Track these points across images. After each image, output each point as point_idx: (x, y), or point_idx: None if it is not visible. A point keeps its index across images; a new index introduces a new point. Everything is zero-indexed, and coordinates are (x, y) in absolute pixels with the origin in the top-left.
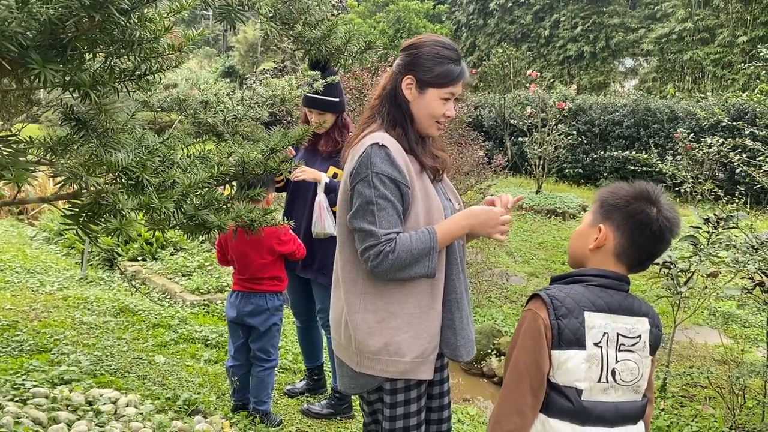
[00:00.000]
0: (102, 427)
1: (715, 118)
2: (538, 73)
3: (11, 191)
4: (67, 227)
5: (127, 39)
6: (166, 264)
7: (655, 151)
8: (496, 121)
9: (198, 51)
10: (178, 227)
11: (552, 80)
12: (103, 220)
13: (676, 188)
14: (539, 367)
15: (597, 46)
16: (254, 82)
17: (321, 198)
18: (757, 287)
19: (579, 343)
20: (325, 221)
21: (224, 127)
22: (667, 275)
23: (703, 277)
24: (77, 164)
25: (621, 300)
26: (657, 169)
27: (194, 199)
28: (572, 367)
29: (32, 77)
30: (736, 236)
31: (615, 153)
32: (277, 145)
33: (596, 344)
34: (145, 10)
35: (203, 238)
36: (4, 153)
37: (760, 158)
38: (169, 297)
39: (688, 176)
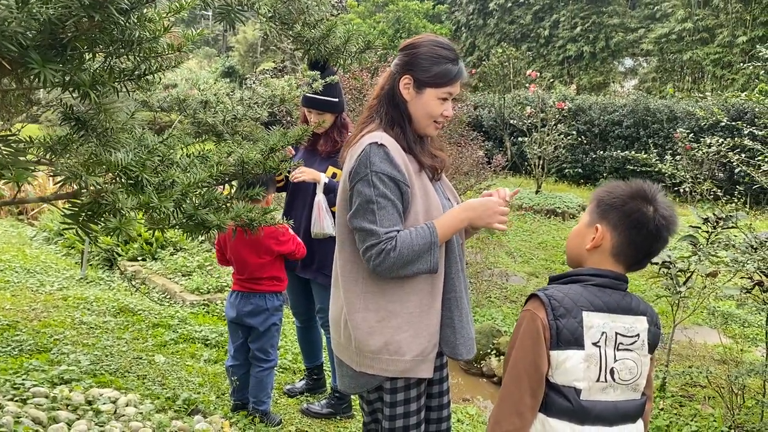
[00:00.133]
0: (102, 426)
1: (714, 118)
2: (538, 73)
3: (11, 191)
4: (67, 227)
5: (127, 39)
6: (165, 264)
7: (655, 151)
8: (496, 121)
9: (198, 51)
10: (177, 227)
11: (552, 80)
12: (102, 219)
13: (676, 188)
14: (538, 368)
15: (597, 46)
16: (254, 82)
17: (320, 198)
18: (756, 287)
19: (577, 343)
20: (324, 221)
21: (224, 127)
22: (667, 275)
23: (702, 276)
24: (77, 164)
25: (619, 299)
26: (656, 169)
27: (194, 199)
28: (571, 367)
29: (32, 77)
30: (735, 236)
31: (614, 153)
32: (276, 144)
33: (595, 344)
34: (145, 10)
35: (203, 238)
36: (4, 153)
37: (759, 158)
38: (168, 297)
39: (688, 176)
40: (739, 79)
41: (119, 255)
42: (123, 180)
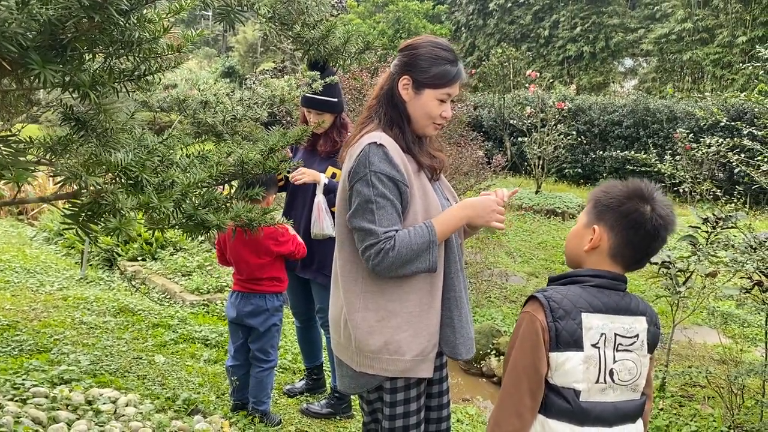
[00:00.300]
0: (102, 426)
1: (714, 119)
2: (538, 74)
3: (11, 191)
4: (67, 227)
5: (127, 39)
6: (165, 264)
7: (654, 151)
8: (496, 122)
9: (198, 51)
10: (177, 227)
11: (551, 80)
12: (102, 219)
13: (675, 188)
14: (537, 370)
15: (596, 47)
16: (254, 83)
17: (320, 199)
18: (756, 287)
19: (576, 344)
20: (323, 222)
21: (223, 127)
22: (666, 275)
23: (701, 276)
24: (77, 164)
25: (618, 300)
26: (656, 169)
27: (193, 199)
28: (570, 369)
29: (32, 77)
30: (734, 236)
31: (614, 153)
32: (275, 145)
33: (594, 345)
34: (145, 11)
35: (202, 238)
36: (5, 153)
37: (759, 158)
38: (168, 297)
39: (687, 176)
40: (738, 80)
41: (119, 255)
42: (123, 180)
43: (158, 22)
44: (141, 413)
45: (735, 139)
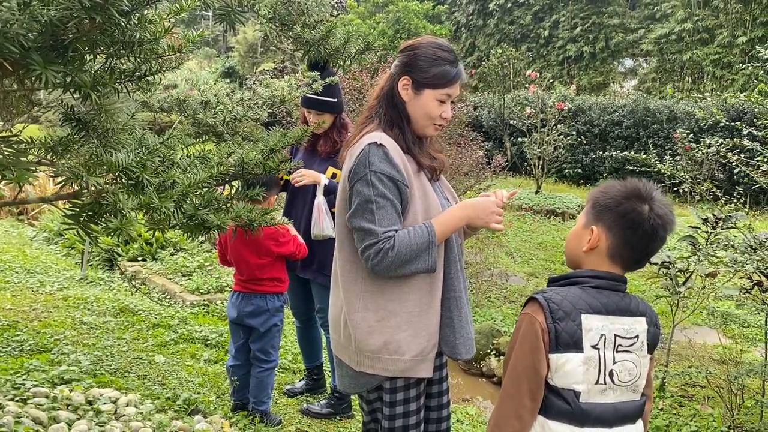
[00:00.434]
0: (102, 426)
1: (713, 119)
2: (538, 74)
3: (12, 191)
4: (68, 227)
5: (128, 40)
6: (165, 264)
7: (654, 151)
8: (496, 122)
9: (198, 51)
10: (177, 227)
11: (551, 81)
12: (103, 219)
13: (675, 188)
14: (537, 371)
15: (596, 47)
16: (254, 83)
17: (320, 200)
18: (756, 287)
19: (576, 345)
20: (323, 223)
21: (224, 128)
22: (666, 275)
23: (701, 277)
24: (78, 164)
25: (618, 301)
26: (656, 170)
27: (194, 199)
28: (570, 370)
29: (33, 78)
30: (734, 236)
31: (614, 153)
32: (276, 145)
33: (593, 346)
34: (145, 12)
35: (203, 238)
36: (6, 153)
37: (759, 158)
38: (168, 297)
39: (687, 176)
40: (738, 80)
41: (119, 255)
42: (124, 180)
43: (159, 23)
44: (141, 413)
45: (735, 139)
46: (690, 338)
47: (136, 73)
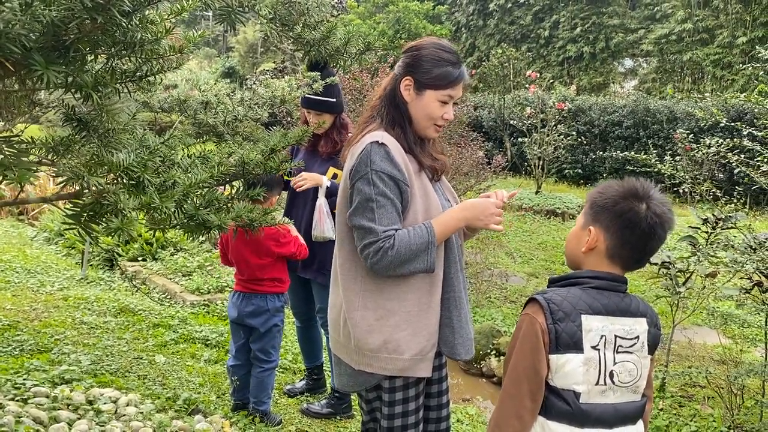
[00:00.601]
0: (102, 426)
1: (714, 119)
2: (538, 74)
3: (12, 191)
4: (69, 227)
5: (129, 41)
6: (166, 264)
7: (655, 151)
8: (496, 122)
9: (198, 51)
10: (178, 227)
11: (551, 81)
12: (104, 219)
13: (675, 188)
14: (537, 372)
15: (596, 47)
16: (254, 83)
17: (321, 202)
18: (756, 287)
19: (576, 346)
20: (324, 225)
21: (224, 128)
22: (666, 275)
23: (701, 277)
24: (79, 164)
25: (618, 301)
26: (656, 170)
27: (195, 199)
28: (570, 371)
29: (35, 78)
30: (734, 236)
31: (614, 153)
32: (276, 145)
33: (594, 347)
34: (147, 12)
35: (203, 238)
36: (7, 153)
37: (759, 159)
38: (169, 297)
39: (687, 177)
40: (738, 80)
41: (119, 255)
42: (125, 180)
43: (160, 24)
44: (142, 413)
45: (735, 139)
46: (690, 338)
47: (137, 74)
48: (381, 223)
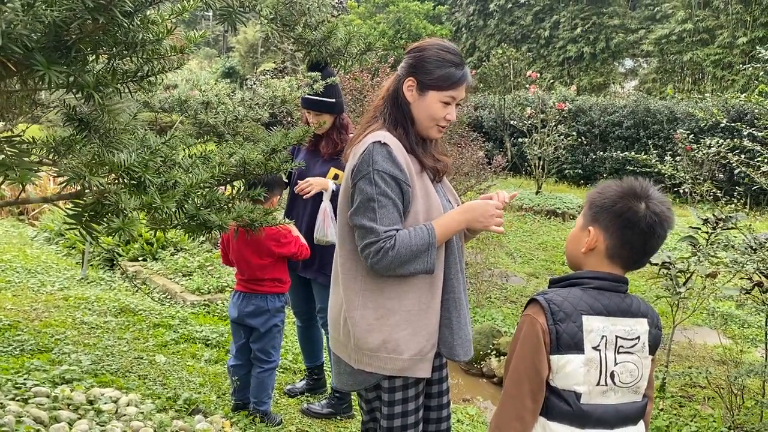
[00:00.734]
0: (103, 426)
1: (714, 119)
2: (538, 74)
3: (13, 191)
4: (70, 227)
5: (130, 41)
6: (166, 264)
7: (655, 151)
8: (496, 122)
9: (198, 52)
10: (179, 227)
11: (552, 81)
12: (105, 219)
13: (676, 189)
14: (538, 372)
15: (597, 47)
16: (255, 83)
17: (326, 205)
18: (756, 287)
19: (577, 347)
20: (327, 229)
21: (225, 128)
22: (666, 276)
23: (702, 277)
24: (80, 164)
25: (619, 302)
26: (656, 170)
27: (196, 199)
28: (571, 371)
29: (37, 78)
30: (734, 237)
31: (615, 154)
32: (277, 145)
33: (595, 348)
34: (148, 12)
35: (203, 238)
36: (9, 153)
37: (759, 159)
38: (169, 297)
39: (688, 177)
40: (739, 80)
41: (120, 255)
42: (126, 180)
43: (161, 24)
44: (142, 413)
45: (735, 140)
46: (690, 339)
47: (138, 74)
48: (382, 223)
